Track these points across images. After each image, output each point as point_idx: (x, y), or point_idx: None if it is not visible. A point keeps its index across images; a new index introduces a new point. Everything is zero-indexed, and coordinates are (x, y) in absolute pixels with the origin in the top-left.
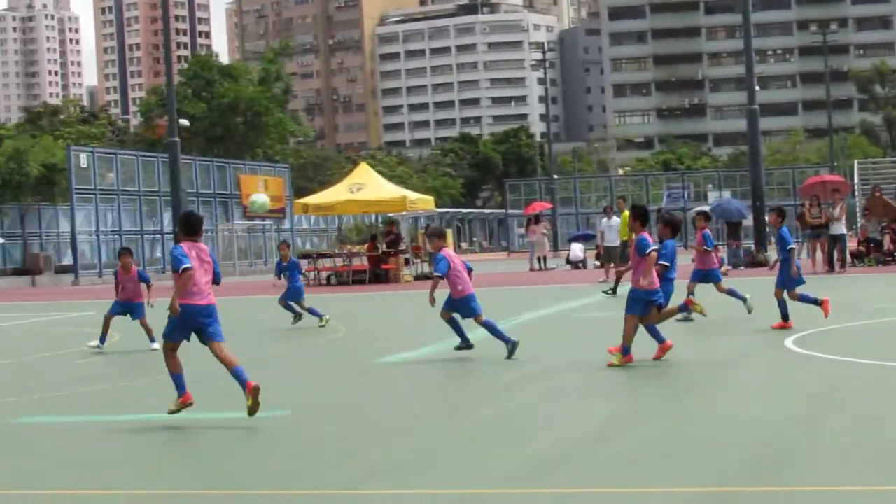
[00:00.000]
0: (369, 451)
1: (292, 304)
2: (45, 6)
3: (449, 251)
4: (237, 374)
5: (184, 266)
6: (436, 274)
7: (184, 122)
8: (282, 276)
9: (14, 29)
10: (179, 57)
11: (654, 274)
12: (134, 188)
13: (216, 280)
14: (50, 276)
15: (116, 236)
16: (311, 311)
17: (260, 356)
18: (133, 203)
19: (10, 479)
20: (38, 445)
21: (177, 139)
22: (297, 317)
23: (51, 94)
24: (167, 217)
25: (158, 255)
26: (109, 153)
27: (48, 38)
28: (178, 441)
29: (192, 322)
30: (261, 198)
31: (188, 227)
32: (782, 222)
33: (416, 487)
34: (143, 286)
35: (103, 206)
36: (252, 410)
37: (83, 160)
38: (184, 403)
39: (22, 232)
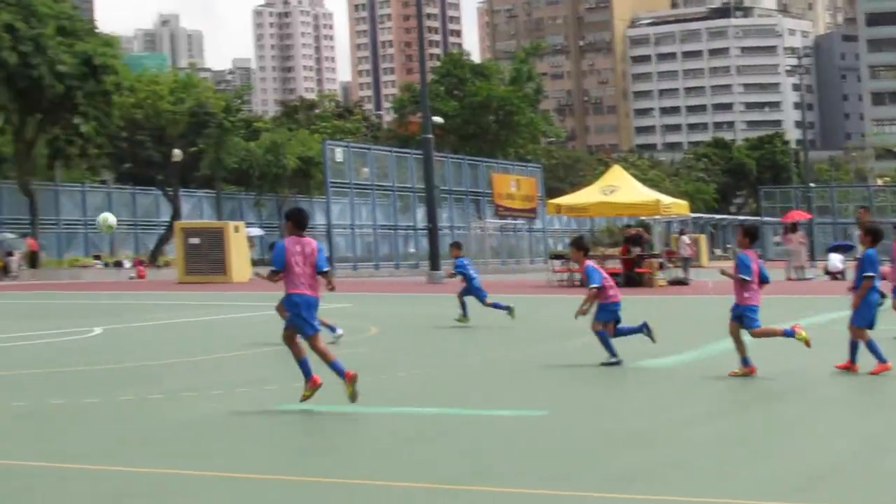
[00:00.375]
0: (623, 454)
1: (464, 300)
2: (300, 2)
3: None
4: (334, 366)
5: (272, 269)
6: (592, 286)
7: (437, 119)
8: (456, 274)
9: (270, 24)
10: (431, 55)
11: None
12: (388, 183)
13: (319, 270)
14: None
15: (371, 230)
16: (496, 306)
17: (522, 355)
18: (387, 198)
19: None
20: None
21: (430, 136)
22: (464, 317)
23: (305, 89)
24: (420, 213)
25: (412, 249)
26: (364, 148)
27: (303, 34)
28: (436, 434)
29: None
30: (109, 218)
31: (297, 222)
32: (872, 242)
33: (674, 494)
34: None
35: (358, 200)
36: (352, 398)
37: (338, 154)
38: (313, 387)
39: (279, 223)
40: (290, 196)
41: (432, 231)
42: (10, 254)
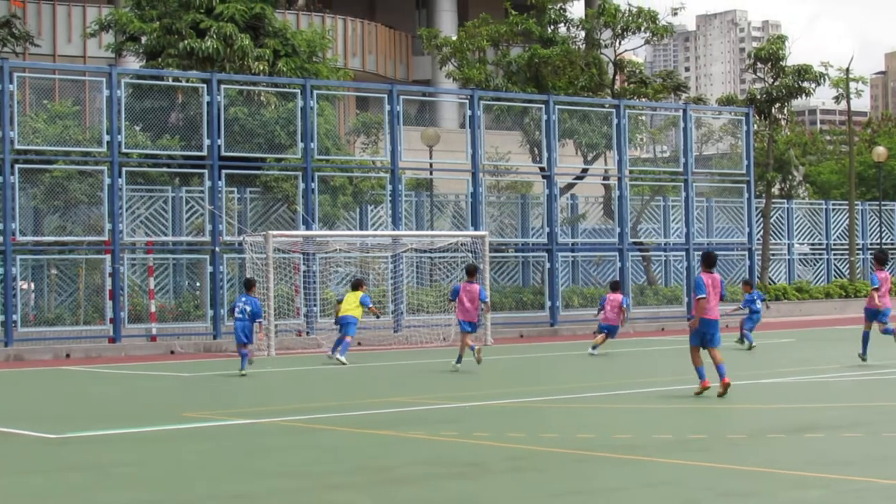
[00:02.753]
0: None
1: (747, 332)
2: None
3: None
4: (720, 370)
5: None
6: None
7: None
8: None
9: None
10: None
11: None
12: None
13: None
14: None
15: None
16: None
17: None
18: None
19: None
20: None
21: None
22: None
23: None
24: None
25: None
26: None
27: None
28: None
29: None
30: None
31: (707, 262)
32: None
33: None
34: None
35: None
36: (721, 394)
37: None
38: (703, 388)
39: None
40: None
41: None
42: None
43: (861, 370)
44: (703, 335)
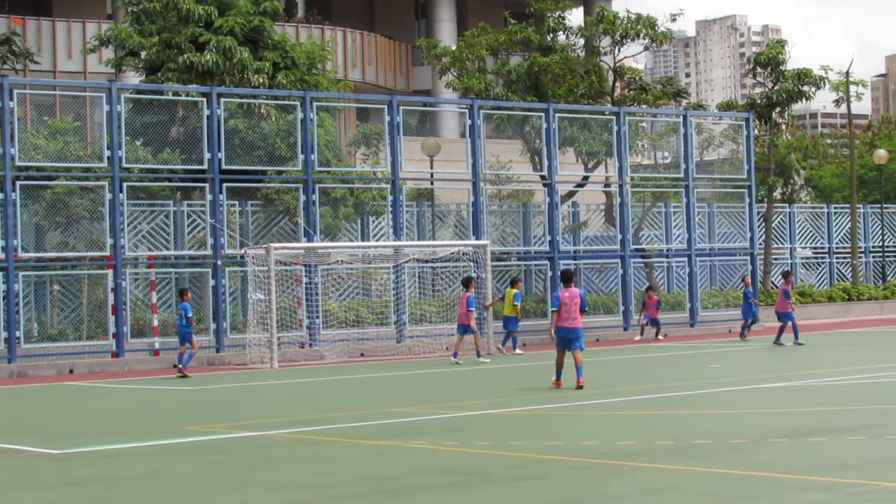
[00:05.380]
0: None
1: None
2: None
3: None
4: (578, 370)
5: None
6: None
7: None
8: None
9: None
10: None
11: None
12: None
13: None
14: None
15: None
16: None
17: None
18: None
19: None
20: None
21: None
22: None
23: None
24: None
25: None
26: None
27: None
28: None
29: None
30: None
31: (564, 278)
32: None
33: None
34: None
35: None
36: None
37: None
38: (556, 385)
39: None
40: None
41: None
42: None
43: (864, 373)
44: (565, 341)
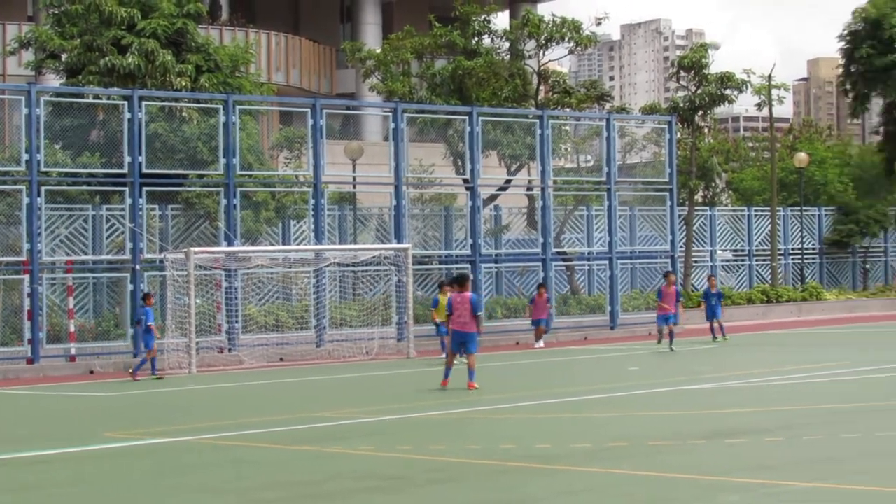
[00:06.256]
0: None
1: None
2: None
3: None
4: (470, 374)
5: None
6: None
7: None
8: None
9: None
10: None
11: None
12: None
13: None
14: None
15: None
16: None
17: None
18: None
19: None
20: None
21: None
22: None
23: None
24: None
25: None
26: None
27: None
28: None
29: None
30: None
31: (459, 282)
32: None
33: None
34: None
35: None
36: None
37: None
38: (443, 385)
39: None
40: None
41: None
42: None
43: (783, 375)
44: (458, 344)
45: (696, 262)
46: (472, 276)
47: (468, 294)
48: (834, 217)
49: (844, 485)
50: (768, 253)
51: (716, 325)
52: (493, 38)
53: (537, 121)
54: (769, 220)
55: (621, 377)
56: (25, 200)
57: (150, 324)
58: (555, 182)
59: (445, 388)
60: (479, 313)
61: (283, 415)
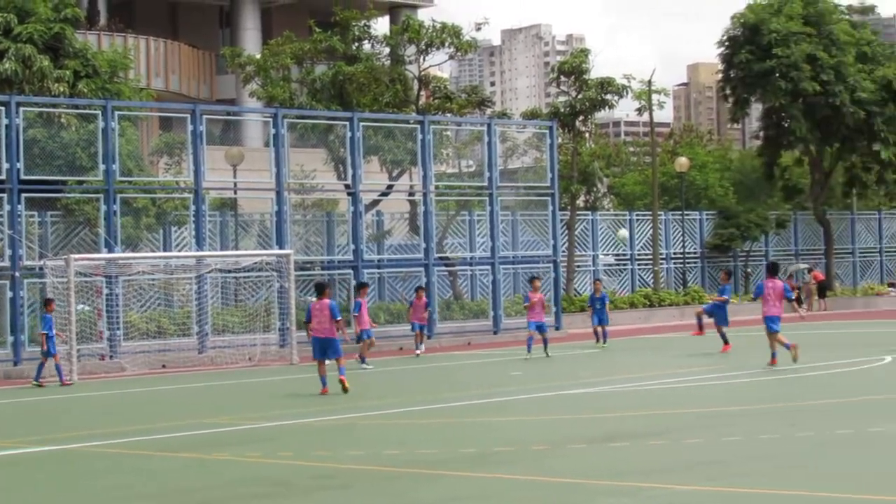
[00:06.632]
0: None
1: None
2: None
3: None
4: (340, 370)
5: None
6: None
7: None
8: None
9: None
10: None
11: None
12: None
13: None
14: None
15: None
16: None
17: None
18: None
19: None
20: None
21: None
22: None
23: None
24: None
25: None
26: None
27: None
28: None
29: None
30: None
31: (318, 290)
32: None
33: None
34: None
35: None
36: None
37: None
38: (322, 393)
39: None
40: None
41: None
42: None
43: (665, 378)
44: (321, 351)
45: (578, 266)
46: (330, 285)
47: (327, 301)
48: (715, 221)
49: (727, 487)
50: (650, 257)
51: (600, 330)
52: (373, 44)
53: (418, 126)
54: (651, 225)
55: (505, 382)
56: None
57: (44, 332)
58: (436, 187)
59: (327, 394)
60: (339, 318)
61: (165, 422)
